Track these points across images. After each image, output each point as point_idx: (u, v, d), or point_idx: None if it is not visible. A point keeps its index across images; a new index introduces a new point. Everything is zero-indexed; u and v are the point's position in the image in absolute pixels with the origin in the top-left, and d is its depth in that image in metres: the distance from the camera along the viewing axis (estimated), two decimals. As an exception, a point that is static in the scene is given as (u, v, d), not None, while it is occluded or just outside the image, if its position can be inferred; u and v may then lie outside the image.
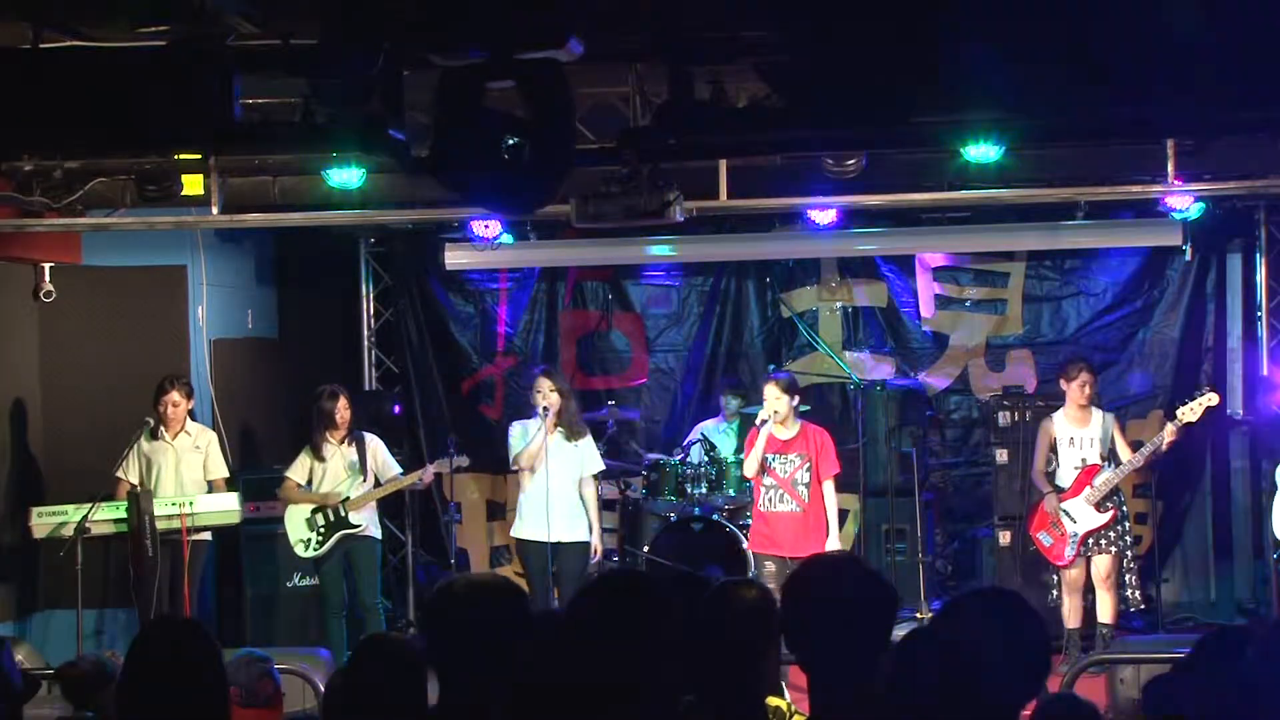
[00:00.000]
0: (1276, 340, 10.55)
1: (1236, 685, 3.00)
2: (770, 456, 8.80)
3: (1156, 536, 10.22)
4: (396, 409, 10.98)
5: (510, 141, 5.10)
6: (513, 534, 9.25)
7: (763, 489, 8.85)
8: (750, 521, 9.88)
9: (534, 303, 11.59)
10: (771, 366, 11.02)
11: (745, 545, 9.58)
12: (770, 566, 8.75)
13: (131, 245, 10.01)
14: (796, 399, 8.87)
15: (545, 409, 8.87)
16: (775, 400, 8.71)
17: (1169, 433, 9.01)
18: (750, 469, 8.86)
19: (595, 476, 9.25)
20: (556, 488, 8.88)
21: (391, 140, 5.53)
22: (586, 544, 9.04)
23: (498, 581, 3.59)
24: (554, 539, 8.88)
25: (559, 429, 8.94)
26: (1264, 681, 2.95)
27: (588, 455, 9.12)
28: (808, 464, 8.78)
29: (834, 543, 8.77)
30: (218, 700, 3.55)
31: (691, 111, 5.91)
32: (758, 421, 8.80)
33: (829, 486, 8.82)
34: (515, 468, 9.22)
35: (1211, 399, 9.08)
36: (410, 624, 10.92)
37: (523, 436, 9.02)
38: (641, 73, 6.93)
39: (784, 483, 8.79)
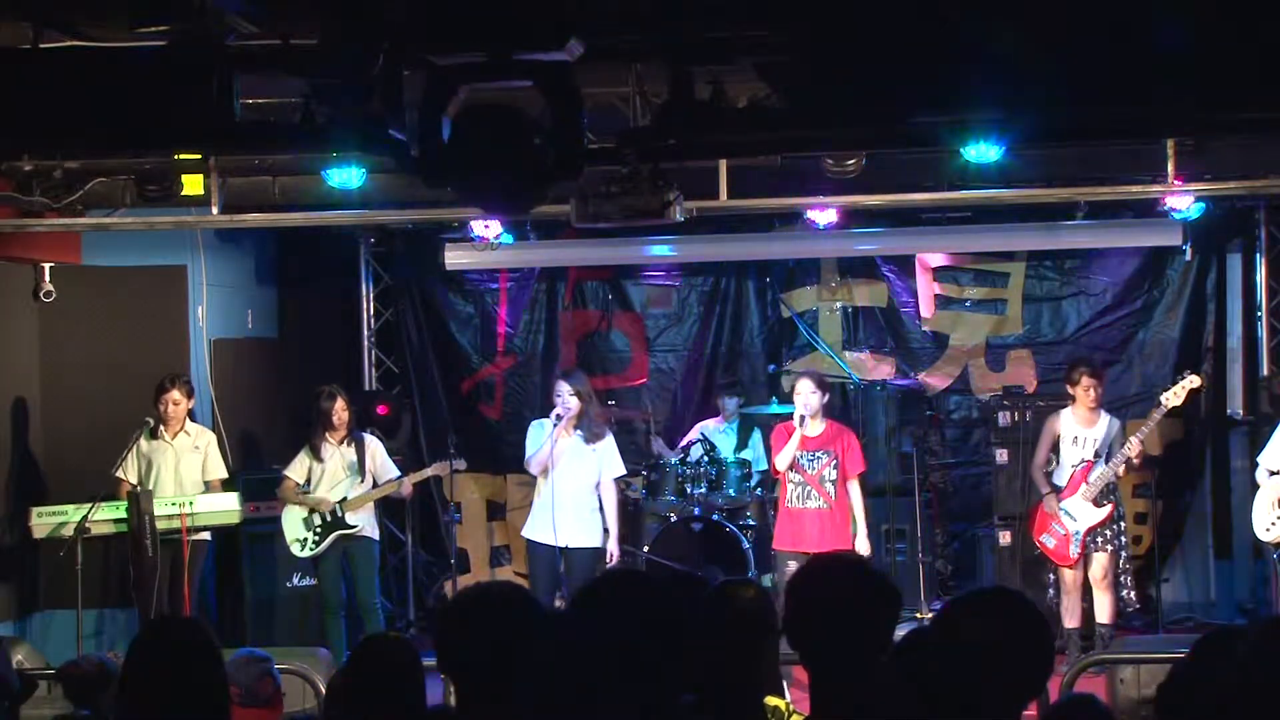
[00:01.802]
0: (1277, 340, 10.56)
1: (1233, 685, 3.00)
2: (799, 453, 8.83)
3: (1156, 536, 10.22)
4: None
5: (536, 141, 5.12)
6: (523, 534, 9.23)
7: (790, 485, 8.89)
8: (752, 521, 9.91)
9: (534, 303, 11.59)
10: (772, 366, 11.03)
11: (745, 545, 9.59)
12: (793, 565, 8.73)
13: (131, 245, 10.01)
14: (827, 395, 8.91)
15: (559, 415, 8.82)
16: (810, 395, 8.76)
17: (1154, 418, 9.06)
18: (783, 463, 8.89)
19: (617, 480, 9.15)
20: (565, 492, 8.83)
21: (391, 140, 5.53)
22: (596, 549, 8.93)
23: (506, 588, 3.61)
24: (561, 543, 8.82)
25: (578, 431, 8.91)
26: (1259, 680, 2.95)
27: (607, 458, 9.00)
28: (835, 461, 8.82)
29: (862, 542, 8.78)
30: (218, 700, 3.55)
31: (691, 111, 5.90)
32: (795, 418, 8.82)
33: (855, 486, 8.87)
34: (526, 469, 9.20)
35: (1193, 381, 9.10)
36: (410, 624, 10.93)
37: (537, 439, 9.00)
38: (641, 73, 6.92)
39: (811, 479, 8.83)
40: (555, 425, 8.79)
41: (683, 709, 3.22)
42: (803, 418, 8.78)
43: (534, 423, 9.19)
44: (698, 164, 8.37)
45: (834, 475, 8.83)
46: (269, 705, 5.22)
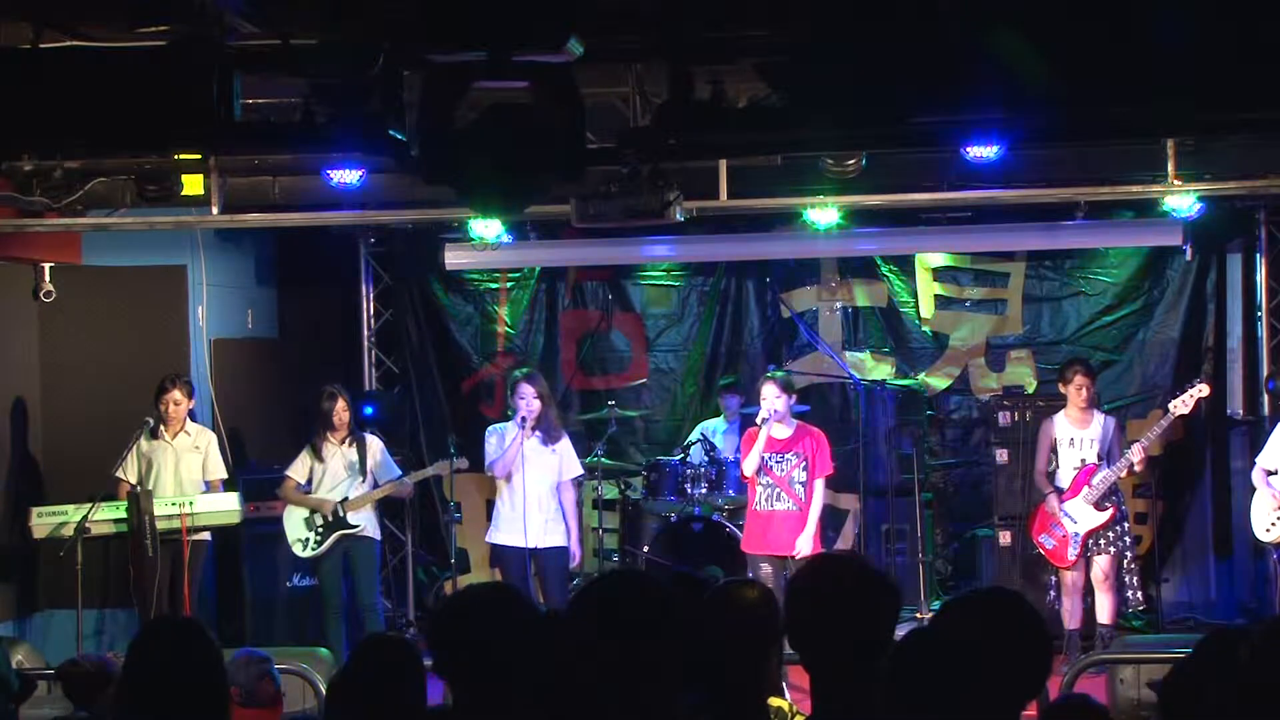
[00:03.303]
0: (1277, 340, 10.56)
1: (1235, 685, 3.00)
2: (767, 456, 8.80)
3: (1156, 536, 10.22)
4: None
5: (535, 142, 5.13)
6: (489, 539, 9.24)
7: (759, 488, 8.85)
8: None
9: (534, 303, 11.59)
10: (772, 366, 11.01)
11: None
12: (766, 568, 8.73)
13: (131, 245, 10.01)
14: (793, 398, 8.88)
15: (524, 419, 8.83)
16: (774, 399, 8.71)
17: (1161, 425, 9.07)
18: (750, 468, 8.85)
19: (575, 481, 9.18)
20: (533, 493, 8.84)
21: (391, 140, 5.54)
22: (564, 549, 8.97)
23: (499, 589, 3.60)
24: (530, 545, 8.83)
25: (537, 432, 8.90)
26: (1262, 681, 2.95)
27: (566, 459, 9.05)
28: (804, 463, 8.78)
29: (807, 541, 8.70)
30: (218, 700, 3.55)
31: (691, 111, 5.90)
32: (758, 421, 8.79)
33: (819, 485, 8.82)
34: (490, 474, 9.20)
35: (1202, 390, 9.12)
36: (410, 624, 10.93)
37: (499, 445, 8.99)
38: (641, 73, 6.93)
39: (780, 481, 8.79)
40: (521, 428, 8.80)
41: (685, 710, 3.21)
42: (765, 420, 8.75)
43: (491, 428, 9.21)
44: (698, 164, 8.37)
45: (803, 477, 8.77)
46: (269, 705, 5.22)
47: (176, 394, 9.16)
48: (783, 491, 8.79)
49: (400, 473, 9.54)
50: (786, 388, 8.80)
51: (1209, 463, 10.85)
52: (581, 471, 9.31)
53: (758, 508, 8.87)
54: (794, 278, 11.42)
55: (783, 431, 8.83)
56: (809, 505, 8.76)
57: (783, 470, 8.80)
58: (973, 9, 5.09)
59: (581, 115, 5.35)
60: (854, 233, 10.47)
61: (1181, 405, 9.08)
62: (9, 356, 9.75)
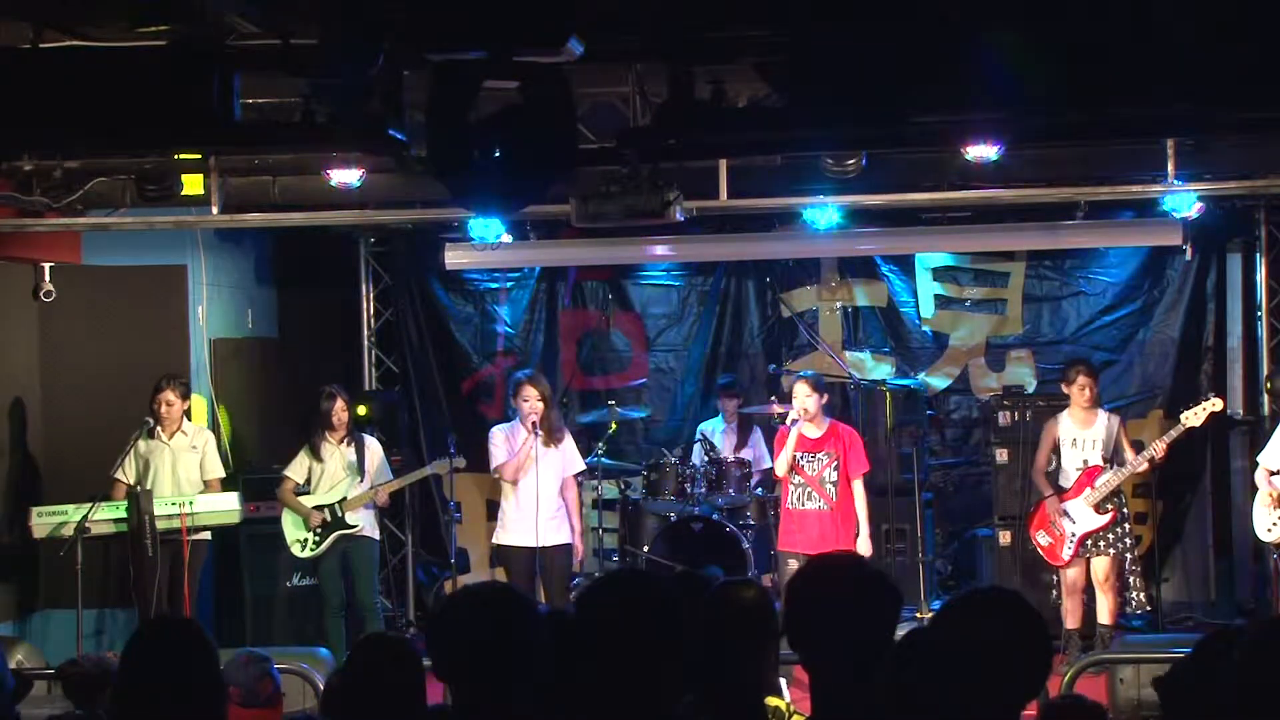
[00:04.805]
0: (1277, 340, 10.56)
1: (1232, 685, 3.00)
2: (799, 455, 8.82)
3: (1156, 536, 10.21)
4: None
5: (511, 142, 5.12)
6: (495, 540, 9.23)
7: (791, 487, 8.87)
8: (752, 521, 9.90)
9: (534, 303, 11.59)
10: (772, 365, 11.02)
11: (745, 545, 9.59)
12: (794, 565, 8.72)
13: (131, 245, 10.01)
14: (825, 397, 8.90)
15: (534, 423, 8.84)
16: (805, 398, 8.73)
17: (1170, 436, 9.05)
18: (781, 468, 8.88)
19: (577, 477, 9.22)
20: (544, 494, 8.85)
21: (391, 140, 5.54)
22: (569, 545, 9.00)
23: (500, 589, 3.60)
24: (540, 544, 8.85)
25: (539, 432, 8.93)
26: (1257, 680, 2.95)
27: (569, 456, 9.09)
28: (835, 462, 8.80)
29: (864, 543, 8.75)
30: (214, 700, 3.54)
31: (691, 111, 5.91)
32: (788, 421, 8.81)
33: (859, 486, 8.84)
34: (496, 476, 9.21)
35: (1216, 404, 9.11)
36: (410, 624, 10.93)
37: (507, 447, 8.99)
38: (641, 73, 6.93)
39: (812, 481, 8.81)
40: (535, 434, 8.80)
41: (683, 709, 3.22)
42: (795, 420, 8.76)
43: (496, 428, 9.21)
44: (698, 164, 8.37)
45: (834, 476, 8.81)
46: (269, 705, 5.22)
47: (169, 395, 9.14)
48: (814, 490, 8.81)
49: (393, 477, 9.55)
50: (818, 387, 8.83)
51: (1209, 463, 10.84)
52: (583, 467, 9.35)
53: (790, 506, 8.91)
54: (794, 278, 11.42)
55: (814, 431, 8.85)
56: (843, 505, 8.78)
57: (814, 469, 8.82)
58: (973, 8, 5.09)
59: (573, 113, 5.36)
60: (854, 233, 10.46)
61: (1193, 417, 9.06)
62: (9, 356, 9.75)
